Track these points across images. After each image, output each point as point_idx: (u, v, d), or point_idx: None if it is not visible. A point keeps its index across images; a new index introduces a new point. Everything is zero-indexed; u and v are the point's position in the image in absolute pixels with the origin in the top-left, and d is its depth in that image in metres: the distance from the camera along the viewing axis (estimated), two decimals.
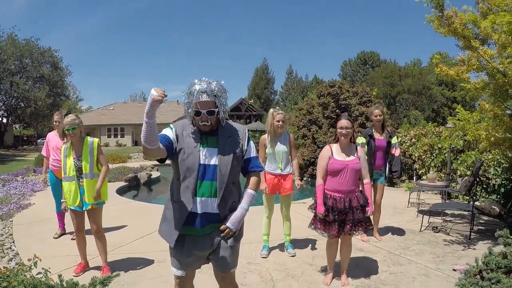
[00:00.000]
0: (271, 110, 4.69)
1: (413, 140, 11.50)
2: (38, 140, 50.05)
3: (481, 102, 5.46)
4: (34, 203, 7.92)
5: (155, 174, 14.03)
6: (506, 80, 5.02)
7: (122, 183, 11.38)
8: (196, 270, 2.65)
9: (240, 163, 2.49)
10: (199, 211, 2.34)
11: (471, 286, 2.73)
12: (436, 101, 39.11)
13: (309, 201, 5.60)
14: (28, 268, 2.56)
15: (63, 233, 5.63)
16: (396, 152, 5.38)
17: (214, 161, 2.36)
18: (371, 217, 3.85)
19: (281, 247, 4.93)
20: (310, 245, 5.05)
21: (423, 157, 10.68)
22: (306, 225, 4.00)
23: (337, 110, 13.11)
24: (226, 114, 2.45)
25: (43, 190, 9.51)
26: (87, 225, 4.08)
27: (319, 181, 3.65)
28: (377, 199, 5.34)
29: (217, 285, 2.62)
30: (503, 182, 7.54)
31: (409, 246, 4.97)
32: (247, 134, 2.54)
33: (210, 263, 2.53)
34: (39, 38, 36.50)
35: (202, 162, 2.35)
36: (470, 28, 5.08)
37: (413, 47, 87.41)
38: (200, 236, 2.39)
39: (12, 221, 6.45)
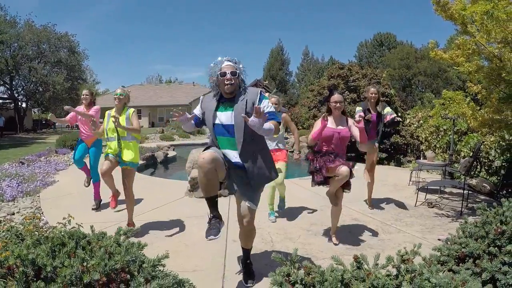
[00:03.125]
0: (266, 94, 5.14)
1: (421, 121, 11.77)
2: (57, 124, 51.23)
3: (469, 84, 5.73)
4: (58, 181, 8.42)
5: (171, 153, 14.64)
6: (502, 64, 5.30)
7: (140, 162, 11.97)
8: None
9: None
10: (231, 160, 3.04)
11: (445, 250, 3.12)
12: (452, 84, 38.68)
13: None
14: (63, 225, 3.06)
15: (100, 200, 6.17)
16: (389, 117, 5.70)
17: (231, 120, 2.99)
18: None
19: (282, 214, 5.45)
20: (310, 215, 5.51)
21: (429, 138, 10.96)
22: (311, 198, 4.51)
23: (346, 91, 13.38)
24: (245, 79, 3.13)
25: (65, 169, 10.14)
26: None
27: (311, 137, 4.28)
28: (374, 161, 5.88)
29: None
30: (503, 163, 7.81)
31: (402, 218, 5.37)
32: (259, 94, 3.08)
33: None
34: (56, 24, 37.06)
35: (217, 122, 3.03)
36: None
37: (430, 29, 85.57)
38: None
39: (39, 196, 6.96)
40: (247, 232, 3.23)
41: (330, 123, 4.20)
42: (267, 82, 47.66)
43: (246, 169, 2.99)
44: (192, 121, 3.20)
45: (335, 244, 4.28)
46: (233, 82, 2.98)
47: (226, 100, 3.06)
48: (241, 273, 3.45)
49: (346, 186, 4.21)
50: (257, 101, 3.00)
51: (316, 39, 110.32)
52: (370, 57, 53.67)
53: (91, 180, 6.20)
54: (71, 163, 11.44)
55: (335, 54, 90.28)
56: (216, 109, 3.05)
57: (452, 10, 5.34)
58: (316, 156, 4.26)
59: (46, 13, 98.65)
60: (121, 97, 4.81)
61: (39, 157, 11.68)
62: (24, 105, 36.27)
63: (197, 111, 3.24)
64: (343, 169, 3.93)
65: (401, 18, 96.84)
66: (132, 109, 4.91)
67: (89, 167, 6.21)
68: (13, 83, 34.20)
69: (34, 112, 45.81)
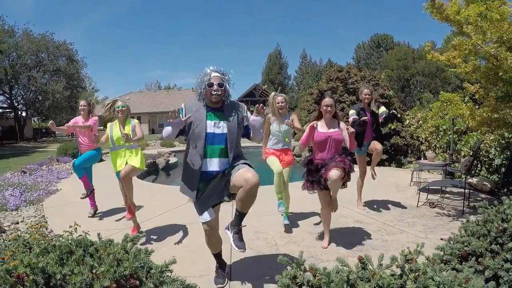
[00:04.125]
0: (272, 93, 5.18)
1: (420, 122, 11.81)
2: (57, 132, 51.24)
3: (467, 84, 5.78)
4: (61, 189, 8.45)
5: (172, 159, 14.66)
6: (498, 64, 5.34)
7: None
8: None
9: (242, 130, 3.26)
10: (209, 169, 3.10)
11: (448, 249, 3.15)
12: (450, 83, 38.79)
13: None
14: (70, 233, 3.08)
15: (96, 209, 6.21)
16: (381, 119, 5.73)
17: (221, 130, 3.11)
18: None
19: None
20: (313, 217, 5.54)
21: (429, 138, 10.99)
22: (311, 201, 4.57)
23: (345, 94, 13.42)
24: (229, 92, 3.24)
25: (68, 178, 10.17)
26: None
27: (301, 143, 4.39)
28: (364, 169, 5.94)
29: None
30: (503, 162, 7.84)
31: (404, 219, 5.40)
32: (245, 106, 3.33)
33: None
34: (54, 33, 36.90)
35: (209, 130, 3.09)
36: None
37: (426, 29, 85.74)
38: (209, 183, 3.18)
39: (42, 205, 6.97)
40: (251, 195, 2.94)
41: (321, 127, 4.27)
42: (265, 86, 47.77)
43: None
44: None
45: (324, 248, 4.29)
46: (219, 93, 3.11)
47: (212, 109, 3.17)
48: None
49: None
50: (245, 114, 3.27)
51: (314, 42, 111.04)
52: (368, 59, 53.83)
53: (88, 191, 6.19)
54: (73, 171, 11.47)
55: (332, 57, 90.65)
56: (206, 118, 3.13)
57: (447, 12, 5.39)
58: (309, 169, 4.34)
59: (43, 22, 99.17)
60: (123, 109, 4.97)
61: (40, 166, 11.70)
62: (24, 114, 36.26)
63: (180, 122, 3.12)
64: (332, 174, 3.93)
65: (398, 19, 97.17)
66: (136, 120, 5.12)
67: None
68: (13, 92, 34.21)
69: (34, 121, 45.82)
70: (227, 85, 3.17)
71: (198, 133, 3.08)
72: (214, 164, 3.10)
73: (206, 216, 3.15)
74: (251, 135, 3.32)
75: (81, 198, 6.29)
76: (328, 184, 4.08)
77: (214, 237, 3.30)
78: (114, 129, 4.97)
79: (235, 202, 3.06)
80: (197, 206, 3.24)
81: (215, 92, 3.08)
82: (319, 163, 4.22)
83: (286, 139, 5.14)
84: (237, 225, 3.11)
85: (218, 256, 3.48)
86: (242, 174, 2.91)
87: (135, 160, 4.87)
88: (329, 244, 4.35)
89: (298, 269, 1.83)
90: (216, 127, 3.10)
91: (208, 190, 3.16)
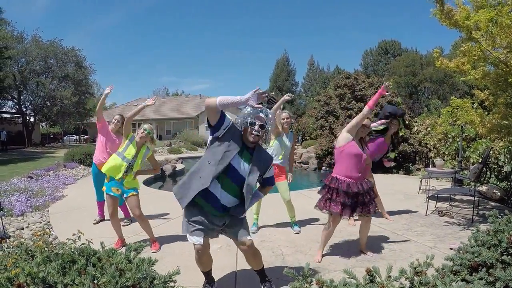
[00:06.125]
0: (278, 112, 5.20)
1: (428, 129, 11.71)
2: (65, 137, 51.62)
3: (476, 91, 5.70)
4: (67, 195, 8.47)
5: (179, 166, 14.69)
6: (508, 70, 5.27)
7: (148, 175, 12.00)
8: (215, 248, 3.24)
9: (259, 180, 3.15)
10: (221, 201, 2.95)
11: (458, 259, 3.08)
12: (459, 90, 38.52)
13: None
14: (73, 241, 3.05)
15: (102, 219, 6.18)
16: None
17: (243, 173, 2.97)
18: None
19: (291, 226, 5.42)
20: (321, 227, 5.44)
21: (437, 145, 10.89)
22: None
23: (353, 101, 13.37)
24: (269, 138, 3.22)
25: (74, 183, 10.20)
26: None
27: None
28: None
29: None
30: None
31: (412, 228, 5.32)
32: (270, 164, 3.17)
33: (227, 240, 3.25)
34: (63, 39, 37.42)
35: (234, 164, 2.92)
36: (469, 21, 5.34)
37: (434, 35, 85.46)
38: (213, 215, 3.01)
39: (48, 210, 6.97)
40: (253, 254, 3.18)
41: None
42: (273, 93, 47.78)
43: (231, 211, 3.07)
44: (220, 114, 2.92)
45: (318, 262, 4.16)
46: (260, 134, 2.96)
47: (245, 146, 3.00)
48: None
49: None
50: (267, 170, 3.13)
51: (321, 48, 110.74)
52: (376, 65, 53.62)
53: (96, 198, 6.18)
54: (79, 177, 11.52)
55: (340, 63, 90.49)
56: (237, 153, 2.96)
57: (456, 17, 5.33)
58: (325, 202, 4.13)
59: (52, 28, 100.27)
60: (149, 135, 4.67)
61: (47, 172, 11.75)
62: (32, 119, 36.59)
63: (228, 120, 2.98)
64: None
65: (405, 25, 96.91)
66: (151, 151, 4.84)
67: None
68: (21, 97, 34.51)
69: (42, 126, 46.21)
70: (268, 127, 3.02)
71: (225, 157, 2.89)
72: (224, 197, 2.96)
73: (199, 239, 2.99)
74: (263, 189, 3.30)
75: (94, 223, 6.07)
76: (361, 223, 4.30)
77: (206, 255, 3.14)
78: (132, 143, 4.66)
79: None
80: (188, 225, 3.04)
81: (255, 133, 2.93)
82: (353, 182, 4.02)
83: (280, 157, 5.20)
84: (264, 281, 3.30)
85: (207, 273, 3.37)
86: (239, 244, 3.11)
87: (130, 181, 4.64)
88: (321, 258, 4.22)
89: (305, 281, 1.78)
90: (240, 167, 2.95)
91: (206, 217, 3.01)
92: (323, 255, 4.25)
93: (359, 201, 4.03)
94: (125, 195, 4.63)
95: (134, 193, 4.64)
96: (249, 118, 2.93)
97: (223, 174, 2.91)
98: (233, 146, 2.92)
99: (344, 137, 4.04)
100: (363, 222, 4.31)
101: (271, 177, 3.22)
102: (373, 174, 5.89)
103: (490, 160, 8.02)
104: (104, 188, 4.66)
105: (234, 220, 3.07)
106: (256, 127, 2.92)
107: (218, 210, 2.98)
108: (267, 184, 3.26)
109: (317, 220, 5.69)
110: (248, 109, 2.95)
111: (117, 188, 4.57)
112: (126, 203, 5.67)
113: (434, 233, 5.05)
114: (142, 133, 4.60)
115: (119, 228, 4.79)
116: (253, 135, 2.93)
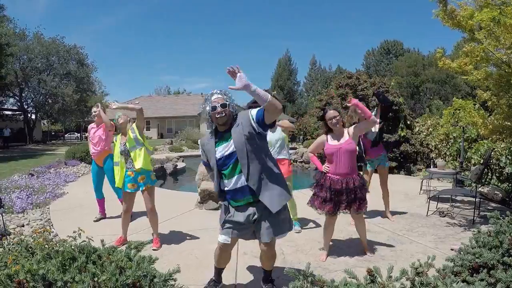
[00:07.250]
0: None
1: (430, 129, 11.69)
2: (66, 135, 51.70)
3: (479, 91, 5.68)
4: (67, 192, 8.47)
5: (180, 165, 14.69)
6: (510, 70, 5.25)
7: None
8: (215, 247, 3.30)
9: (256, 141, 2.97)
10: (231, 188, 3.00)
11: (459, 260, 3.07)
12: (460, 90, 38.50)
13: None
14: (73, 238, 3.06)
15: (103, 217, 6.20)
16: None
17: (231, 149, 2.97)
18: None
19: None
20: (320, 225, 5.44)
21: (439, 146, 10.87)
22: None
23: None
24: (235, 108, 3.11)
25: (75, 181, 10.21)
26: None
27: (309, 154, 4.41)
28: (382, 183, 5.84)
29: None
30: None
31: (413, 228, 5.30)
32: (249, 112, 3.01)
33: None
34: (65, 36, 37.46)
35: (218, 156, 3.01)
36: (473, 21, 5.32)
37: (436, 35, 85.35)
38: (240, 206, 3.03)
39: (49, 208, 6.98)
40: (270, 256, 3.28)
41: (330, 140, 4.14)
42: (275, 92, 47.79)
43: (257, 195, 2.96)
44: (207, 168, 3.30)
45: (323, 261, 4.16)
46: (224, 114, 2.99)
47: (221, 134, 3.08)
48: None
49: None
50: (251, 118, 2.95)
51: (323, 48, 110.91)
52: (378, 65, 53.64)
53: (95, 196, 6.22)
54: (80, 174, 11.52)
55: (342, 63, 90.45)
56: (216, 146, 3.07)
57: (459, 17, 5.31)
58: (314, 198, 4.23)
59: (54, 26, 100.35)
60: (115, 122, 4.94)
61: (48, 169, 11.75)
62: (33, 116, 36.65)
63: (203, 157, 3.27)
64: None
65: (407, 25, 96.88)
66: (135, 125, 4.80)
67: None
68: (23, 95, 34.60)
69: (44, 124, 46.27)
70: (231, 103, 3.05)
71: (212, 164, 3.07)
72: (233, 182, 2.99)
73: (226, 238, 3.08)
74: (265, 117, 2.89)
75: (94, 221, 6.08)
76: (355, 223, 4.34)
77: (226, 253, 3.25)
78: (117, 141, 4.89)
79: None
80: (223, 225, 3.14)
81: (219, 115, 2.99)
82: (338, 179, 4.04)
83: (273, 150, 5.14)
84: (267, 281, 3.38)
85: (219, 271, 3.42)
86: (260, 242, 3.13)
87: (139, 161, 4.59)
88: (326, 258, 4.23)
89: (305, 281, 1.77)
90: (226, 149, 3.00)
91: (238, 217, 3.03)
92: None
93: (344, 199, 4.02)
94: (141, 189, 4.67)
95: (149, 185, 4.68)
96: (207, 107, 3.04)
97: (221, 171, 3.05)
98: (210, 151, 3.09)
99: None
100: (356, 221, 4.31)
101: (258, 110, 2.94)
102: (374, 173, 5.89)
103: (491, 161, 7.99)
104: (121, 186, 4.76)
105: (264, 216, 3.01)
106: (218, 109, 2.98)
107: (245, 195, 2.98)
108: (261, 113, 2.90)
109: (318, 219, 5.68)
110: (204, 102, 3.10)
111: (133, 184, 4.64)
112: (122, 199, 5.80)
113: (435, 234, 5.03)
114: (119, 120, 4.83)
115: (127, 226, 4.86)
116: (219, 118, 2.99)
